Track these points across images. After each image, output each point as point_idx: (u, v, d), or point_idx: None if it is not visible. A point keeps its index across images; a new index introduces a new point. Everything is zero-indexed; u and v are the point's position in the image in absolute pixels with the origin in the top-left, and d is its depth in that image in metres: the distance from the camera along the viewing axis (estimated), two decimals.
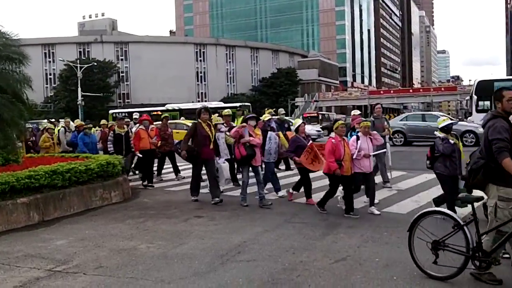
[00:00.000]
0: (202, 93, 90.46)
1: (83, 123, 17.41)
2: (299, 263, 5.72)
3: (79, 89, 59.25)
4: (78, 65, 60.89)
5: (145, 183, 12.59)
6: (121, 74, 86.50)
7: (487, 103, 31.13)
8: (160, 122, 15.08)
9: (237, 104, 43.92)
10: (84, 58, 79.63)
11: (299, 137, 9.77)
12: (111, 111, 49.04)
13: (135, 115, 17.50)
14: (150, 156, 12.87)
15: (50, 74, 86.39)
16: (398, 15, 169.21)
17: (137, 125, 13.90)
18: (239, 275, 5.36)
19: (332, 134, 8.53)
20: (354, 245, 6.49)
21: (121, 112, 48.72)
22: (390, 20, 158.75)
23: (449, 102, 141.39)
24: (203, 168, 10.13)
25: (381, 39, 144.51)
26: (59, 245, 6.94)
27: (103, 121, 17.31)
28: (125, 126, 13.24)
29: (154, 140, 12.99)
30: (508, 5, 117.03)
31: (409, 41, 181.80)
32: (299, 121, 10.21)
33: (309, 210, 8.96)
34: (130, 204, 10.21)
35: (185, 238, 7.18)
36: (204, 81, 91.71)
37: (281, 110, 15.54)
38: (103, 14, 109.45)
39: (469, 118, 32.39)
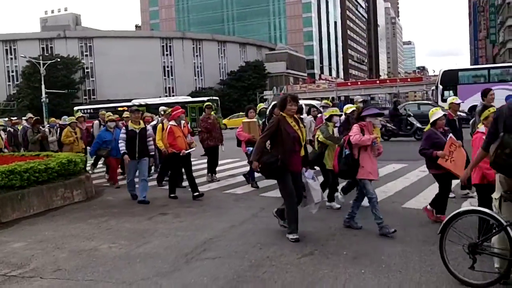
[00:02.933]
0: (169, 87, 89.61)
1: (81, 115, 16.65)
2: (266, 258, 5.56)
3: (43, 86, 58.05)
4: (41, 62, 59.61)
5: (173, 194, 9.97)
6: (86, 70, 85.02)
7: (452, 92, 31.60)
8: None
9: (205, 98, 43.61)
10: (47, 54, 78.08)
11: (437, 132, 7.10)
12: (75, 108, 47.99)
13: (122, 114, 16.03)
14: (185, 159, 10.07)
15: (12, 71, 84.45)
16: (364, 7, 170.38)
17: (169, 121, 10.95)
18: (204, 273, 5.17)
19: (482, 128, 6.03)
20: (322, 239, 6.38)
21: (87, 109, 47.85)
22: (356, 12, 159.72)
23: (415, 93, 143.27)
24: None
25: (348, 31, 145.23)
26: (16, 248, 6.63)
27: (104, 113, 15.47)
28: (141, 120, 10.34)
29: (189, 139, 10.31)
30: None
31: (375, 32, 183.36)
32: (438, 112, 7.13)
33: (277, 204, 8.73)
34: (94, 203, 9.92)
35: (148, 236, 6.95)
36: (172, 75, 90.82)
37: (358, 98, 13.89)
38: (66, 9, 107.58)
39: None
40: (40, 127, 14.31)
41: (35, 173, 9.17)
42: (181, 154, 9.73)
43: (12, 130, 15.83)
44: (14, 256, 6.24)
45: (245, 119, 10.88)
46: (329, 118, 8.59)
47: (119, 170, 13.59)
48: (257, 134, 10.05)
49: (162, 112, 13.40)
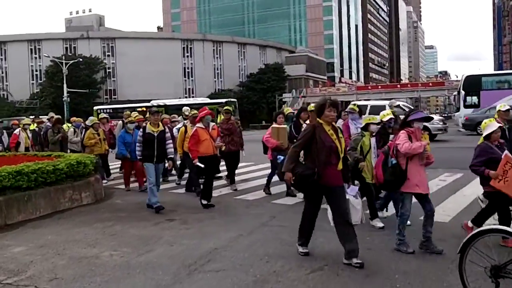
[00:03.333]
0: (189, 89, 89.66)
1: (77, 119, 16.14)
2: (272, 273, 5.25)
3: (65, 85, 58.55)
4: (64, 61, 60.08)
5: (205, 202, 9.16)
6: (107, 70, 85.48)
7: (475, 98, 30.96)
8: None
9: (223, 100, 43.39)
10: (70, 54, 78.63)
11: (492, 146, 6.25)
12: (95, 107, 48.15)
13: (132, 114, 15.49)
14: (213, 165, 9.51)
15: (36, 71, 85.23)
16: (385, 10, 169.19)
17: (195, 123, 10.26)
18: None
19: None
20: (333, 252, 6.02)
21: (106, 108, 48.01)
22: (378, 16, 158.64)
23: (437, 98, 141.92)
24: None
25: (369, 34, 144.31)
26: (16, 253, 6.42)
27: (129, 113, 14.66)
28: (160, 123, 9.48)
29: (218, 142, 9.59)
30: (495, 0, 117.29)
31: (396, 36, 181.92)
32: (493, 124, 6.32)
33: (289, 212, 8.50)
34: (102, 206, 9.72)
35: (153, 244, 6.68)
36: (191, 77, 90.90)
37: (393, 102, 13.37)
38: (90, 10, 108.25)
39: (456, 113, 32.09)
40: (61, 127, 14.00)
41: (43, 174, 8.99)
42: (197, 163, 8.98)
43: (37, 129, 15.56)
44: (13, 262, 6.02)
45: (274, 125, 10.17)
46: (365, 127, 7.62)
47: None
48: (285, 141, 9.73)
49: (186, 113, 12.96)
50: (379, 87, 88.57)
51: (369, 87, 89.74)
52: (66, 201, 9.38)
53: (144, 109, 33.38)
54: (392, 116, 7.95)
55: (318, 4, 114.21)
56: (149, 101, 49.41)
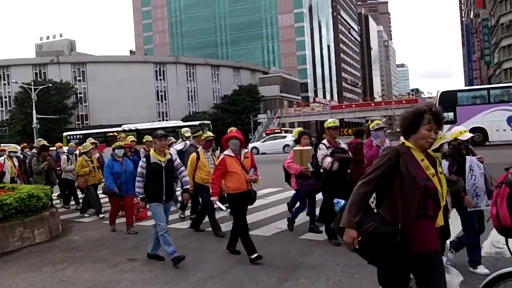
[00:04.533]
0: (163, 112, 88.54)
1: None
2: None
3: (34, 111, 57.11)
4: (33, 87, 58.68)
5: (253, 256, 6.70)
6: (79, 95, 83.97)
7: (451, 114, 30.64)
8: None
9: (197, 122, 42.53)
10: (40, 79, 77.06)
11: None
12: (65, 133, 46.81)
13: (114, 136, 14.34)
14: (246, 204, 7.16)
15: (5, 97, 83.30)
16: (356, 30, 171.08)
17: (204, 149, 9.16)
18: None
19: None
20: None
21: (77, 134, 46.68)
22: (349, 35, 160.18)
23: None
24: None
25: (341, 54, 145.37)
26: None
27: (124, 136, 14.17)
28: (167, 150, 7.35)
29: (252, 174, 7.12)
30: (463, 19, 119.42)
31: (368, 55, 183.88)
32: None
33: (265, 245, 7.62)
34: (57, 244, 8.68)
35: None
36: (165, 100, 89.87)
37: None
38: (61, 35, 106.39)
39: None
40: (47, 154, 12.45)
41: None
42: (212, 199, 7.18)
43: (22, 156, 14.02)
44: None
45: (297, 147, 8.65)
46: (437, 148, 5.75)
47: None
48: (309, 165, 8.24)
49: (187, 134, 11.64)
50: (353, 105, 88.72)
51: (344, 106, 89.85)
52: (15, 241, 8.34)
53: (116, 133, 31.84)
54: (471, 135, 6.05)
55: (290, 25, 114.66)
56: (121, 125, 48.34)
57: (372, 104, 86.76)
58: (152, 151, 7.12)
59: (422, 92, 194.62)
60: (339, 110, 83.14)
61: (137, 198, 7.32)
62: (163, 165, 6.98)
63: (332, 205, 6.03)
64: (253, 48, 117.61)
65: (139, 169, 7.01)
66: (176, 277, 6.17)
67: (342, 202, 3.79)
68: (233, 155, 6.99)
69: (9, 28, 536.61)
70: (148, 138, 12.41)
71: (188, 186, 7.42)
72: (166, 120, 77.37)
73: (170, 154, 7.19)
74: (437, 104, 31.95)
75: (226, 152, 7.04)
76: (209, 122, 47.53)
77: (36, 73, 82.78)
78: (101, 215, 11.33)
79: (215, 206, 7.78)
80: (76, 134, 46.42)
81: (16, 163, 12.90)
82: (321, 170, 7.58)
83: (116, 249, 7.99)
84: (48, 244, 8.66)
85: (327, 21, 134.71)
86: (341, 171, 7.33)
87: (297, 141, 8.99)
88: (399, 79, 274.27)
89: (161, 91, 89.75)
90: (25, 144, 16.67)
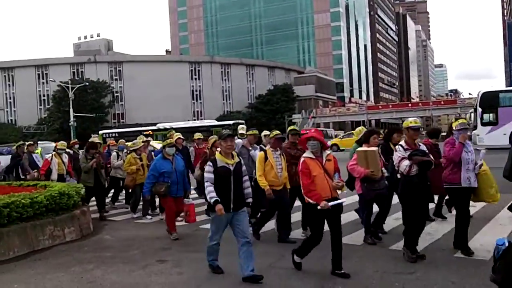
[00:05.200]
0: (197, 111, 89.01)
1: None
2: None
3: (71, 109, 58.05)
4: (70, 86, 59.68)
5: (298, 260, 6.31)
6: (115, 94, 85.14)
7: (493, 115, 29.69)
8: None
9: (231, 122, 42.46)
10: (78, 78, 78.42)
11: None
12: (101, 132, 47.41)
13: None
14: (325, 215, 6.10)
15: (44, 96, 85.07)
16: (394, 29, 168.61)
17: (273, 148, 8.06)
18: None
19: None
20: None
21: (112, 133, 47.25)
22: (387, 35, 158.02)
23: (448, 116, 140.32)
24: None
25: (378, 54, 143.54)
26: None
27: (197, 135, 13.29)
28: (234, 152, 6.37)
29: (337, 180, 6.07)
30: (505, 18, 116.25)
31: (406, 55, 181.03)
32: None
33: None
34: (86, 243, 8.53)
35: None
36: (200, 99, 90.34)
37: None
38: (98, 35, 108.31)
39: (473, 132, 30.81)
40: (96, 152, 11.74)
41: (18, 209, 7.85)
42: (320, 207, 5.75)
43: (72, 152, 13.71)
44: None
45: (363, 147, 7.78)
46: None
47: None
48: (377, 168, 7.34)
49: (242, 131, 10.95)
50: (390, 106, 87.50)
51: (380, 107, 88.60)
52: (45, 239, 8.21)
53: (151, 132, 31.96)
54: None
55: (326, 24, 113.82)
56: (156, 124, 48.72)
57: (409, 105, 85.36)
58: (218, 154, 6.25)
59: (461, 93, 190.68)
60: (376, 111, 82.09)
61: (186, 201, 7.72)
62: (232, 168, 6.10)
63: (411, 212, 6.25)
64: (288, 47, 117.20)
65: (206, 175, 6.07)
66: (207, 281, 5.92)
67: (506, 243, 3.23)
68: (314, 157, 6.07)
69: (48, 28, 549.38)
70: (178, 135, 11.95)
71: (250, 200, 6.31)
72: (201, 119, 77.68)
73: (238, 156, 6.29)
74: (477, 105, 30.98)
75: (306, 154, 6.15)
76: (243, 121, 47.36)
77: (73, 72, 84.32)
78: (135, 215, 11.05)
79: None
80: (112, 132, 46.95)
81: (66, 160, 12.52)
82: (398, 175, 6.83)
83: (146, 249, 7.78)
84: (78, 243, 8.51)
85: (364, 20, 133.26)
86: (422, 176, 6.54)
87: (360, 141, 8.36)
88: (437, 79, 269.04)
89: (196, 91, 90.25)
90: (75, 140, 16.55)
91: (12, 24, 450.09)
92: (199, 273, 6.29)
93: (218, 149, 9.59)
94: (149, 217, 10.79)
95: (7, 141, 45.79)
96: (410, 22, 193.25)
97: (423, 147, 6.83)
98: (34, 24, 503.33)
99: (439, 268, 6.07)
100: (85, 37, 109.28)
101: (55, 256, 7.63)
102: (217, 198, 5.89)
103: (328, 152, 6.22)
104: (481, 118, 30.05)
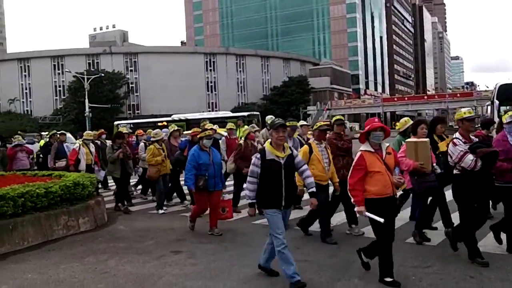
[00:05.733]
0: (212, 103, 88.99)
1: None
2: None
3: (87, 100, 58.43)
4: (86, 77, 59.98)
5: (389, 279, 5.36)
6: (130, 85, 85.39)
7: (510, 108, 29.27)
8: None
9: (246, 113, 42.36)
10: (93, 69, 78.71)
11: None
12: (116, 122, 47.52)
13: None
14: (386, 214, 5.47)
15: (59, 87, 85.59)
16: (410, 21, 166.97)
17: (317, 141, 7.50)
18: None
19: None
20: None
21: (127, 123, 47.36)
22: (403, 27, 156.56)
23: (464, 108, 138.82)
24: None
25: (394, 45, 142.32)
26: None
27: (230, 125, 12.54)
28: (285, 144, 5.69)
29: (398, 176, 5.82)
30: None
31: (422, 47, 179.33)
32: None
33: (314, 242, 7.21)
34: (101, 233, 8.51)
35: (149, 287, 5.46)
36: (215, 90, 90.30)
37: None
38: (114, 26, 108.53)
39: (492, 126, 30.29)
40: (122, 142, 11.28)
41: (33, 198, 7.84)
42: (356, 210, 5.42)
43: (99, 142, 13.77)
44: None
45: (412, 139, 7.30)
46: None
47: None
48: (428, 161, 6.76)
49: (270, 122, 10.52)
50: (406, 98, 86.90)
51: (396, 99, 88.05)
52: (60, 229, 8.20)
53: (165, 123, 32.00)
54: None
55: (342, 16, 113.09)
56: (171, 115, 48.77)
57: (425, 97, 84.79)
58: (268, 145, 5.56)
59: (478, 86, 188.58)
60: (391, 103, 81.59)
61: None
62: (282, 162, 5.45)
63: (473, 211, 5.91)
64: (304, 39, 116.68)
65: (252, 168, 5.51)
66: (221, 273, 5.85)
67: None
68: (373, 150, 5.39)
69: (64, 20, 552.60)
70: (210, 125, 11.44)
71: (314, 189, 5.70)
72: (216, 110, 77.67)
73: (290, 148, 5.61)
74: (494, 98, 30.53)
75: (363, 148, 5.46)
76: (258, 113, 47.28)
77: (89, 63, 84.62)
78: (161, 211, 10.35)
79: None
80: (127, 123, 47.05)
81: (93, 150, 12.47)
82: (455, 171, 6.15)
83: (161, 240, 7.74)
84: (93, 233, 8.50)
85: (380, 12, 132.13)
86: (486, 170, 5.97)
87: (404, 133, 8.02)
88: (453, 72, 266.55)
89: (211, 82, 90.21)
90: (102, 130, 16.47)
91: (29, 15, 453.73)
92: (213, 264, 6.24)
93: (257, 139, 9.29)
94: (161, 211, 10.42)
95: (23, 132, 46.19)
96: (426, 14, 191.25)
97: (475, 140, 6.31)
98: (51, 16, 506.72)
99: (456, 262, 5.96)
100: (101, 28, 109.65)
101: (69, 246, 7.62)
102: (254, 201, 5.50)
103: (387, 144, 5.61)
104: (498, 111, 29.66)
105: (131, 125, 43.98)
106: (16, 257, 7.01)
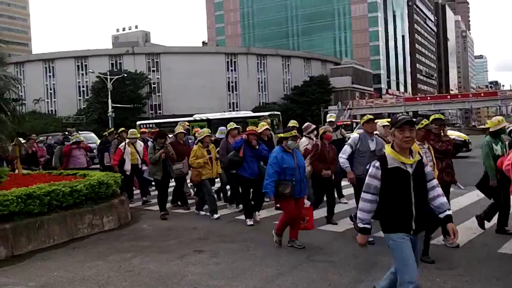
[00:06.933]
0: (233, 102, 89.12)
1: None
2: None
3: (109, 100, 59.07)
4: (109, 77, 60.63)
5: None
6: (152, 85, 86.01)
7: None
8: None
9: (266, 113, 42.30)
10: (116, 70, 79.45)
11: None
12: (138, 122, 47.89)
13: None
14: None
15: (83, 87, 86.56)
16: (433, 20, 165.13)
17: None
18: None
19: None
20: None
21: (149, 123, 47.69)
22: (425, 26, 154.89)
23: (488, 108, 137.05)
24: None
25: (416, 45, 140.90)
26: None
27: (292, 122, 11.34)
28: (415, 147, 4.82)
29: None
30: None
31: (444, 46, 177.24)
32: None
33: (338, 242, 7.21)
34: (124, 232, 8.61)
35: (172, 285, 5.52)
36: (236, 90, 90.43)
37: None
38: (136, 27, 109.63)
39: None
40: (163, 141, 10.37)
41: (58, 197, 7.97)
42: None
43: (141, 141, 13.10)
44: None
45: None
46: None
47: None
48: None
49: (331, 119, 10.40)
50: (428, 98, 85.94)
51: (418, 98, 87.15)
52: (84, 227, 8.32)
53: (187, 123, 31.99)
54: None
55: (363, 15, 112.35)
56: (192, 115, 48.99)
57: (448, 97, 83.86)
58: (388, 148, 4.19)
59: (503, 85, 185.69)
60: (413, 102, 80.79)
61: None
62: (411, 171, 4.08)
63: None
64: (325, 38, 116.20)
65: (369, 180, 4.12)
66: (243, 273, 5.87)
67: None
68: None
69: (87, 21, 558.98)
70: (264, 125, 10.37)
71: (450, 212, 4.21)
72: (237, 110, 77.79)
73: (419, 153, 4.25)
74: None
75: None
76: (279, 113, 47.20)
77: (112, 64, 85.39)
78: (215, 216, 9.45)
79: None
80: (149, 123, 47.36)
81: (140, 148, 12.07)
82: None
83: (183, 239, 7.80)
84: (116, 232, 8.60)
85: (402, 11, 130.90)
86: None
87: (495, 134, 7.35)
88: (476, 71, 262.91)
89: (232, 82, 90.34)
90: (157, 129, 16.04)
91: (54, 17, 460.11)
92: (236, 264, 6.27)
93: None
94: (202, 213, 9.99)
95: (47, 131, 46.83)
96: (449, 13, 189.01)
97: None
98: (75, 17, 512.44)
99: (481, 264, 5.91)
100: (123, 29, 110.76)
101: (94, 244, 7.73)
102: (367, 226, 4.17)
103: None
104: None
105: (154, 125, 44.30)
106: (42, 255, 7.14)
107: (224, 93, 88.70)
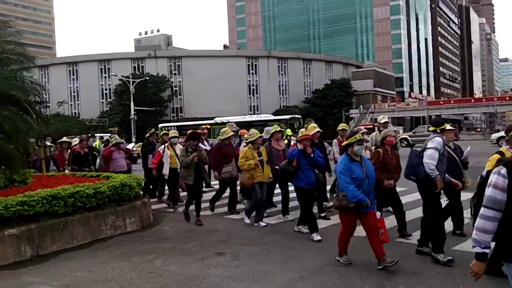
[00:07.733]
0: (254, 106, 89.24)
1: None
2: None
3: (132, 103, 59.61)
4: (131, 80, 61.23)
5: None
6: (174, 88, 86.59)
7: None
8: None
9: (287, 116, 42.31)
10: (138, 73, 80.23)
11: None
12: (160, 125, 48.33)
13: None
14: None
15: (106, 89, 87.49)
16: (456, 23, 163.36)
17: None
18: None
19: None
20: None
21: (171, 126, 48.07)
22: (448, 28, 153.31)
23: None
24: None
25: (439, 48, 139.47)
26: None
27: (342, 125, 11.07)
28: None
29: None
30: None
31: (468, 49, 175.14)
32: None
33: (359, 245, 7.15)
34: (147, 234, 8.69)
35: (194, 287, 5.55)
36: (256, 93, 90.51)
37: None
38: (158, 30, 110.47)
39: None
40: (195, 144, 9.68)
41: (82, 198, 8.10)
42: None
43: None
44: None
45: None
46: None
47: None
48: None
49: (382, 121, 10.04)
50: (452, 101, 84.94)
51: (441, 102, 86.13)
52: (107, 229, 8.43)
53: (208, 126, 31.85)
54: None
55: (385, 18, 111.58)
56: (213, 118, 49.22)
57: (472, 100, 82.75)
58: (503, 149, 3.66)
59: None
60: (436, 106, 79.80)
61: None
62: None
63: None
64: (346, 41, 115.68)
65: (492, 192, 3.14)
66: (264, 276, 5.89)
67: None
68: None
69: (110, 25, 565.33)
70: (314, 126, 9.37)
71: None
72: (257, 113, 77.84)
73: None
74: None
75: None
76: (299, 116, 47.14)
77: (134, 67, 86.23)
78: (262, 224, 9.01)
79: None
80: (170, 126, 47.73)
81: (179, 152, 11.02)
82: None
83: (205, 241, 7.85)
84: (139, 234, 8.68)
85: (425, 14, 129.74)
86: None
87: None
88: (501, 74, 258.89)
89: (252, 85, 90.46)
90: (205, 130, 15.32)
91: (77, 21, 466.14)
92: (257, 267, 6.29)
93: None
94: (247, 220, 9.40)
95: (70, 133, 47.47)
96: (473, 15, 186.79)
97: None
98: (98, 21, 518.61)
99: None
100: (146, 33, 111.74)
101: (117, 245, 7.82)
102: (486, 251, 3.16)
103: None
104: None
105: (175, 128, 44.63)
106: (66, 255, 7.24)
107: (245, 96, 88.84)
